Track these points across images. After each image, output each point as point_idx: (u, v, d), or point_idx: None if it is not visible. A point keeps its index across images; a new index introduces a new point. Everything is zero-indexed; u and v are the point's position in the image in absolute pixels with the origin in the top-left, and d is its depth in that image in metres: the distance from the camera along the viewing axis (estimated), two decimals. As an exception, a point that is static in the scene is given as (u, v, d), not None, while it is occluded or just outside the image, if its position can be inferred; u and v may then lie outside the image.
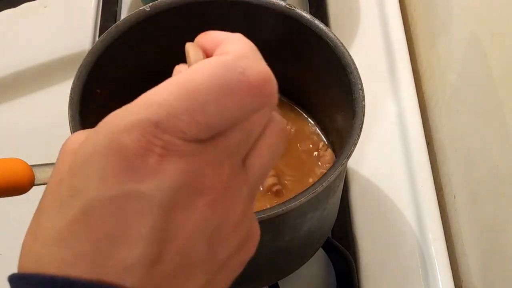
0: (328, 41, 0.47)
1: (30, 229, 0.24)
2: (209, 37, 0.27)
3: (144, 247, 0.22)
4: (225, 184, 0.24)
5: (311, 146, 0.55)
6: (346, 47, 0.47)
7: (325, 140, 0.56)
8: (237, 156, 0.24)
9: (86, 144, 0.23)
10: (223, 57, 0.23)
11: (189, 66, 0.26)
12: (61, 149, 0.25)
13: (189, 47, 0.27)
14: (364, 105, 0.44)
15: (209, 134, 0.23)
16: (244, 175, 0.25)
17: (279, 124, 0.26)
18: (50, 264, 0.22)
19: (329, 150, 0.55)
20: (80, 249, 0.22)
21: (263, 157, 0.26)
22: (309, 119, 0.57)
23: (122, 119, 0.23)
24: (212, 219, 0.24)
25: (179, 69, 0.29)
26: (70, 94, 0.44)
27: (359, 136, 0.43)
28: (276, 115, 0.27)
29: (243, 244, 0.26)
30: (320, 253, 0.57)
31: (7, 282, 0.23)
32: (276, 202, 0.51)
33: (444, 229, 0.59)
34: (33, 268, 0.23)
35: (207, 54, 0.27)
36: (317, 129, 0.56)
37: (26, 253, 0.24)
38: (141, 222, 0.22)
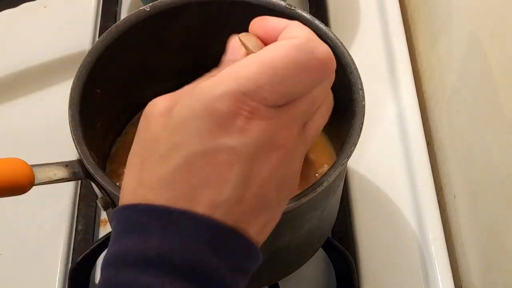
0: (328, 41, 0.47)
1: (131, 177, 0.30)
2: (268, 24, 0.32)
3: (232, 190, 0.28)
4: (292, 142, 0.30)
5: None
6: (346, 47, 0.47)
7: (325, 140, 0.56)
8: (302, 121, 0.30)
9: (183, 108, 0.29)
10: (295, 40, 0.29)
11: (249, 53, 0.32)
12: (145, 113, 0.31)
13: (244, 37, 0.32)
14: (364, 105, 0.44)
15: (285, 101, 0.29)
16: (303, 136, 0.31)
17: (331, 97, 0.33)
18: (155, 202, 0.28)
19: (329, 150, 0.55)
20: (181, 191, 0.28)
21: (318, 123, 0.32)
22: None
23: (215, 88, 0.28)
24: (281, 169, 0.30)
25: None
26: (70, 94, 0.44)
27: (359, 136, 0.43)
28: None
29: (296, 188, 0.32)
30: (320, 253, 0.57)
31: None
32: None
33: (444, 229, 0.59)
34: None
35: (264, 38, 0.32)
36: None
37: (131, 194, 0.30)
38: (231, 170, 0.28)
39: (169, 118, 0.29)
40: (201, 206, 0.28)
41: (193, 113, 0.28)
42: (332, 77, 0.31)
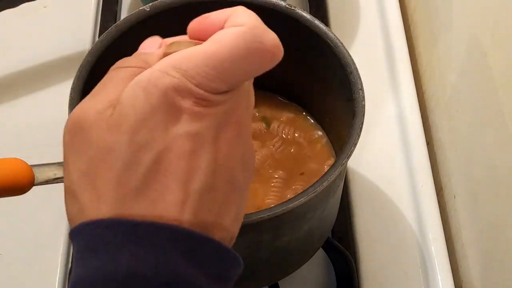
0: (328, 41, 0.47)
1: (88, 199, 0.27)
2: (206, 21, 0.30)
3: (204, 177, 0.28)
4: (243, 117, 0.30)
5: (311, 145, 0.55)
6: (346, 47, 0.47)
7: (325, 139, 0.56)
8: (248, 97, 0.31)
9: (141, 103, 0.27)
10: (241, 29, 0.28)
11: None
12: (73, 127, 0.29)
13: (171, 48, 0.30)
14: (364, 105, 0.44)
15: (234, 87, 0.29)
16: (249, 109, 0.31)
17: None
18: (121, 215, 0.26)
19: (329, 150, 0.55)
20: (152, 197, 0.27)
21: (253, 94, 0.32)
22: (310, 119, 0.57)
23: (167, 82, 0.27)
24: (240, 145, 0.30)
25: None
26: (70, 94, 0.44)
27: (359, 136, 0.43)
28: None
29: (254, 165, 0.32)
30: (320, 253, 0.57)
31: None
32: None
33: (444, 229, 0.59)
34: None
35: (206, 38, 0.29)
36: (317, 129, 0.56)
37: (91, 214, 0.27)
38: (199, 157, 0.28)
39: (116, 120, 0.27)
40: (173, 207, 0.27)
41: (152, 108, 0.27)
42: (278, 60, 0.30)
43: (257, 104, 0.32)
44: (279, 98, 0.58)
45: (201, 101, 0.28)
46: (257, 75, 0.30)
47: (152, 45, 0.32)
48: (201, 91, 0.27)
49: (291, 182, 0.53)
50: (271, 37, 0.28)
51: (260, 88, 0.56)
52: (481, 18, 0.57)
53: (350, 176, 0.62)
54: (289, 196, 0.52)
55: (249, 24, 0.28)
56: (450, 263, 0.57)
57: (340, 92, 0.48)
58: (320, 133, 0.56)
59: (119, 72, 0.30)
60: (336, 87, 0.49)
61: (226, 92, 0.28)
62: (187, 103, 0.27)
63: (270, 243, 0.46)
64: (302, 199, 0.40)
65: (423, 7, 0.73)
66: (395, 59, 0.70)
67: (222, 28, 0.29)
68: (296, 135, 0.56)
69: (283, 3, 0.49)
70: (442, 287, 0.56)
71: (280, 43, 0.29)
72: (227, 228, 0.29)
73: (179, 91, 0.27)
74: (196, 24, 0.31)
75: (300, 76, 0.54)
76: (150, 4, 0.48)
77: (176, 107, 0.27)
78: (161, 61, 0.28)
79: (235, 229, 0.30)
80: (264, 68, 0.29)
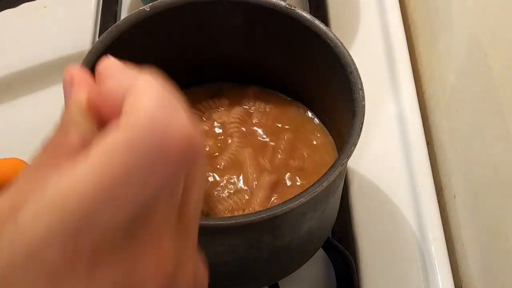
0: (328, 41, 0.47)
1: None
2: (111, 90, 0.23)
3: None
4: (167, 258, 0.22)
5: (311, 145, 0.55)
6: (346, 47, 0.47)
7: (325, 139, 0.56)
8: (171, 216, 0.22)
9: (5, 270, 0.19)
10: (135, 128, 0.20)
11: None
12: None
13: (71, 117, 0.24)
14: (364, 105, 0.44)
15: (138, 212, 0.20)
16: (182, 229, 0.23)
17: (202, 162, 0.23)
18: None
19: (329, 150, 0.55)
20: None
21: (195, 200, 0.24)
22: (310, 118, 0.57)
23: (37, 230, 0.19)
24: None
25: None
26: (70, 94, 0.44)
27: (359, 136, 0.43)
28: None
29: None
30: (320, 253, 0.57)
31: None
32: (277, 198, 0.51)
33: (444, 229, 0.59)
34: None
35: (106, 112, 0.23)
36: (318, 128, 0.56)
37: None
38: None
39: None
40: None
41: (20, 275, 0.19)
42: (199, 156, 0.22)
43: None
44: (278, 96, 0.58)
45: (89, 253, 0.20)
46: (170, 183, 0.21)
47: (80, 83, 0.24)
48: (87, 241, 0.19)
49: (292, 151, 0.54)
50: (179, 130, 0.20)
51: (256, 85, 0.57)
52: (481, 18, 0.57)
53: (350, 176, 0.62)
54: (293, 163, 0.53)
55: (146, 113, 0.20)
56: (450, 263, 0.57)
57: (340, 92, 0.48)
58: (320, 132, 0.56)
59: (42, 158, 0.24)
60: (336, 87, 0.49)
61: (129, 223, 0.20)
62: (67, 262, 0.19)
63: (270, 243, 0.46)
64: (302, 199, 0.40)
65: (423, 7, 0.73)
66: (395, 59, 0.70)
67: (120, 105, 0.21)
68: (296, 134, 0.56)
69: (283, 3, 0.49)
70: (442, 287, 0.56)
71: (193, 133, 0.21)
72: None
73: (56, 245, 0.19)
74: (93, 95, 0.23)
75: (299, 76, 0.54)
76: (150, 4, 0.48)
77: (54, 269, 0.19)
78: (46, 194, 0.20)
79: None
80: (176, 170, 0.21)
